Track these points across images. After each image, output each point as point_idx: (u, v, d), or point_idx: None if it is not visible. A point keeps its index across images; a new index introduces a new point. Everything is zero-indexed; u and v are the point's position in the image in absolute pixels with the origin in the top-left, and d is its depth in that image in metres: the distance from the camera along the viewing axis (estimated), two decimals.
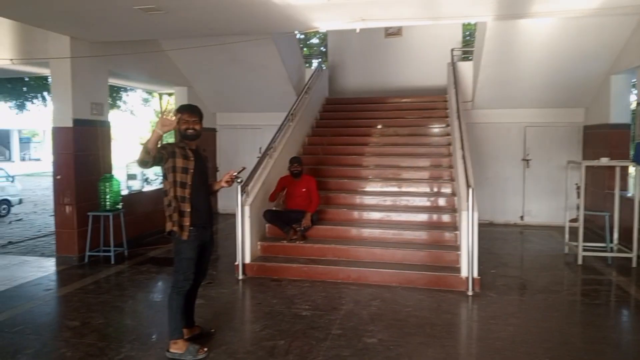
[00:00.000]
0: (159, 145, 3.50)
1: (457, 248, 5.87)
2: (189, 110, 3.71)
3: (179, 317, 3.66)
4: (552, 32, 6.99)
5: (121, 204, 6.90)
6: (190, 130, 3.64)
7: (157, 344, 3.93)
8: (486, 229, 8.34)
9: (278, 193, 6.61)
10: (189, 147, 3.67)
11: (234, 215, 6.00)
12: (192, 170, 3.59)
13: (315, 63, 12.16)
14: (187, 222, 3.57)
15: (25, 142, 35.60)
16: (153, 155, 3.37)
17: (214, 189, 3.91)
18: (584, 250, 6.38)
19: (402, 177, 7.68)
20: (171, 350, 3.65)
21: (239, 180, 3.86)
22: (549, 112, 9.06)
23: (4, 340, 4.04)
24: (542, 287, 5.47)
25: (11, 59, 6.45)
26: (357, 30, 5.48)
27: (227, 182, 3.78)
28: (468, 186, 5.31)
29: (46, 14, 5.34)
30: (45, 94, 14.44)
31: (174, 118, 3.43)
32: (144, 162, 3.40)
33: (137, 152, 3.42)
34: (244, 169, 3.94)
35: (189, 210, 3.58)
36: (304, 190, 6.44)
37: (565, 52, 7.34)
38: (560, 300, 5.14)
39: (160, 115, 3.38)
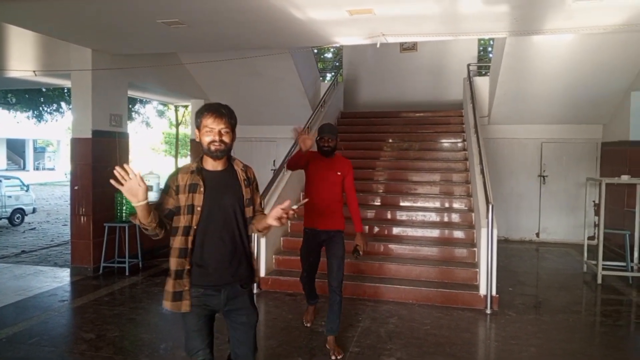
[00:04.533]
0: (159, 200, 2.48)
1: (474, 265, 5.80)
2: (213, 113, 2.46)
3: None
4: (571, 47, 6.96)
5: None
6: (215, 144, 2.44)
7: (173, 359, 3.89)
8: (501, 246, 8.21)
9: (297, 163, 4.23)
10: (206, 169, 2.53)
11: None
12: (199, 209, 2.44)
13: (329, 77, 12.21)
14: (186, 285, 2.43)
15: (39, 151, 36.03)
16: (156, 222, 2.37)
17: (258, 228, 2.60)
18: (604, 269, 6.26)
19: (417, 192, 7.63)
20: None
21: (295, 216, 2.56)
22: (566, 128, 9.00)
23: (21, 352, 4.03)
24: (562, 307, 5.37)
25: (34, 71, 6.54)
26: (378, 45, 5.49)
27: (278, 219, 2.41)
28: (488, 202, 5.25)
29: (70, 28, 5.41)
30: (61, 104, 14.64)
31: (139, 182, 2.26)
32: (155, 235, 2.44)
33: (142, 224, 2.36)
34: (306, 201, 2.80)
35: (188, 267, 2.43)
36: (338, 174, 4.19)
37: (584, 67, 7.29)
38: (582, 320, 5.04)
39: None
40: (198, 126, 2.51)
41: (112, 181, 2.22)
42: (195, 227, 2.44)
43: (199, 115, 2.50)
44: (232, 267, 2.52)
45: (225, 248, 2.50)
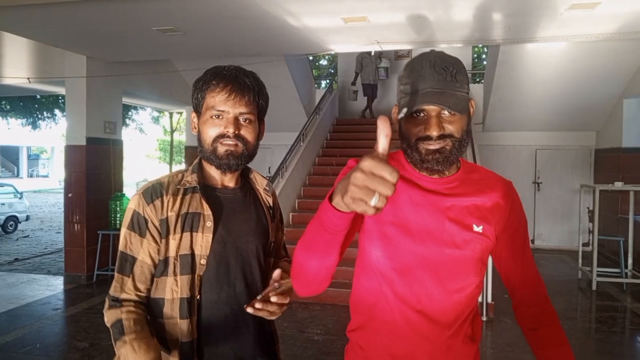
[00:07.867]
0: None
1: None
2: (229, 84, 1.33)
3: None
4: (564, 55, 7.01)
5: None
6: (227, 142, 1.31)
7: None
8: None
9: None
10: (210, 185, 1.39)
11: None
12: (204, 262, 1.30)
13: (324, 84, 12.26)
14: None
15: (33, 158, 35.90)
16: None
17: (258, 304, 1.25)
18: (598, 275, 6.28)
19: None
20: None
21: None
22: (560, 135, 9.05)
23: None
24: (557, 313, 5.36)
25: (28, 78, 6.52)
26: (372, 53, 5.52)
27: (276, 297, 1.26)
28: None
29: (65, 35, 5.41)
30: (55, 111, 14.61)
31: None
32: None
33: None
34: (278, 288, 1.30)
35: None
36: (476, 230, 1.16)
37: (577, 75, 7.35)
38: (577, 327, 5.04)
39: None
40: (197, 107, 1.34)
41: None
42: (198, 298, 1.28)
43: (201, 86, 1.33)
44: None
45: (248, 337, 1.37)
